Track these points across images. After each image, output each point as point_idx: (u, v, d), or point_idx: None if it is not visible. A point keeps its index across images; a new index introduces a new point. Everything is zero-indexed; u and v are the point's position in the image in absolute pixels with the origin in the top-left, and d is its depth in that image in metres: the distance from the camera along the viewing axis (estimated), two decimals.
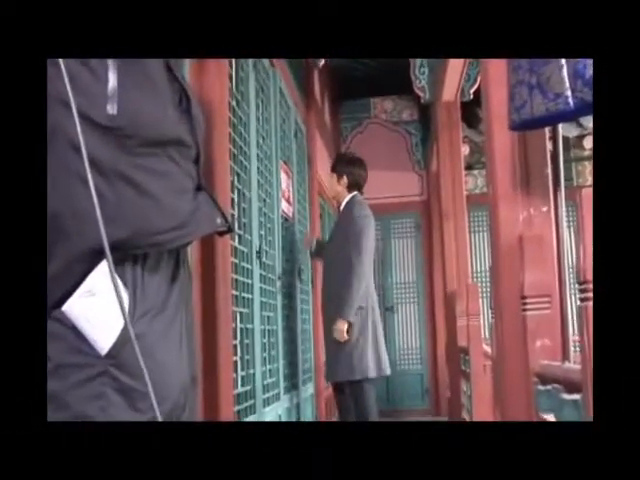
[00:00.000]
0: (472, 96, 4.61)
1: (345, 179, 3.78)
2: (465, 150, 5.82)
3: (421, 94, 4.80)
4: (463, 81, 4.39)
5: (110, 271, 0.99)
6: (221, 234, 1.34)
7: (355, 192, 3.81)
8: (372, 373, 3.65)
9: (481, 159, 6.43)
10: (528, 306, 1.82)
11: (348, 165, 3.85)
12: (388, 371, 3.77)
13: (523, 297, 1.83)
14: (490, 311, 2.25)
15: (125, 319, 1.01)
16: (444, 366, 5.68)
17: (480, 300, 4.01)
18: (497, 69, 1.93)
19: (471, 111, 5.49)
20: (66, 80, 0.95)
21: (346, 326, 3.53)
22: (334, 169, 3.88)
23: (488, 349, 3.46)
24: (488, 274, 6.58)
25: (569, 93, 1.46)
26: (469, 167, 6.43)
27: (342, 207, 3.80)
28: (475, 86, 4.51)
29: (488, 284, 6.08)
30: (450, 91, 4.47)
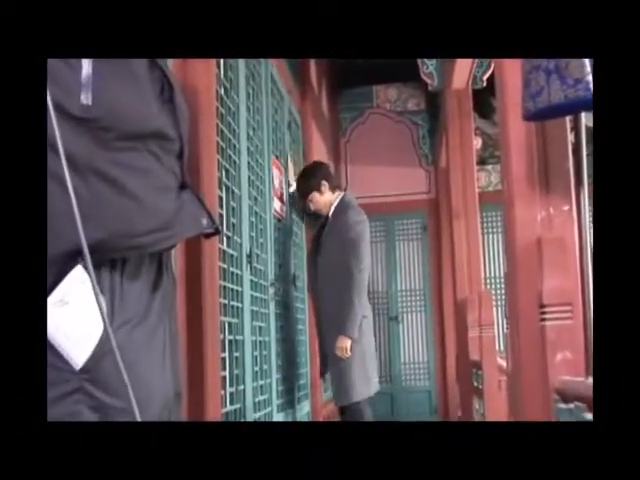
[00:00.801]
0: (485, 83, 4.61)
1: (326, 185, 3.79)
2: (477, 143, 5.84)
3: (429, 81, 4.81)
4: (475, 67, 4.40)
5: (89, 275, 0.99)
6: (207, 236, 1.34)
7: (341, 192, 3.85)
8: (373, 390, 3.68)
9: (495, 153, 6.44)
10: (547, 315, 1.82)
11: (317, 172, 3.86)
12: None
13: (542, 306, 1.83)
14: (505, 321, 2.26)
15: (106, 327, 1.01)
16: (454, 382, 5.70)
17: (494, 309, 4.02)
18: None
19: (484, 100, 5.50)
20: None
21: (350, 343, 3.54)
22: (308, 189, 3.82)
23: (503, 363, 3.47)
24: (502, 280, 6.58)
25: (590, 78, 1.47)
26: (482, 162, 6.45)
27: (332, 210, 3.79)
28: (488, 72, 4.52)
29: (502, 291, 6.09)
30: (461, 78, 4.47)
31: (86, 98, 1.04)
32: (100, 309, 1.01)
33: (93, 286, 0.99)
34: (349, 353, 3.53)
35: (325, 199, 3.79)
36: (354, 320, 3.53)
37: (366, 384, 3.61)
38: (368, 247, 3.68)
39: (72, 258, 1.05)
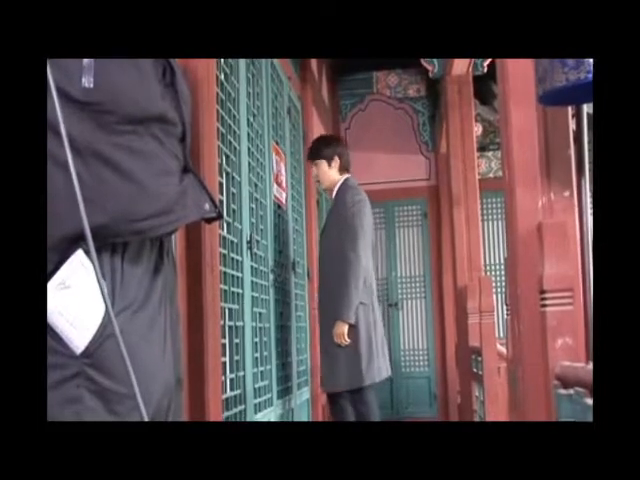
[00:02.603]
0: (485, 69, 4.60)
1: (337, 160, 3.71)
2: (478, 130, 5.83)
3: (429, 68, 4.80)
4: None
5: (91, 259, 0.99)
6: (209, 221, 1.34)
7: (347, 175, 3.76)
8: (372, 379, 3.58)
9: (495, 140, 6.43)
10: (548, 301, 1.82)
11: (335, 145, 3.78)
12: (386, 374, 3.69)
13: (542, 291, 1.83)
14: (505, 307, 2.26)
15: (108, 310, 1.01)
16: (454, 368, 5.71)
17: (494, 295, 4.02)
18: None
19: (484, 86, 5.48)
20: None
21: (346, 328, 3.48)
22: (320, 154, 3.74)
23: (503, 349, 3.48)
24: (502, 266, 6.55)
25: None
26: (482, 148, 6.43)
27: (335, 193, 3.73)
28: (489, 59, 4.51)
29: (502, 277, 6.08)
30: (461, 64, 4.46)
31: (88, 81, 1.04)
32: (102, 293, 1.01)
33: (95, 270, 1.00)
34: (347, 339, 3.48)
35: (330, 175, 3.72)
36: (350, 305, 3.46)
37: (356, 374, 3.51)
38: (366, 229, 3.58)
39: (73, 242, 1.05)
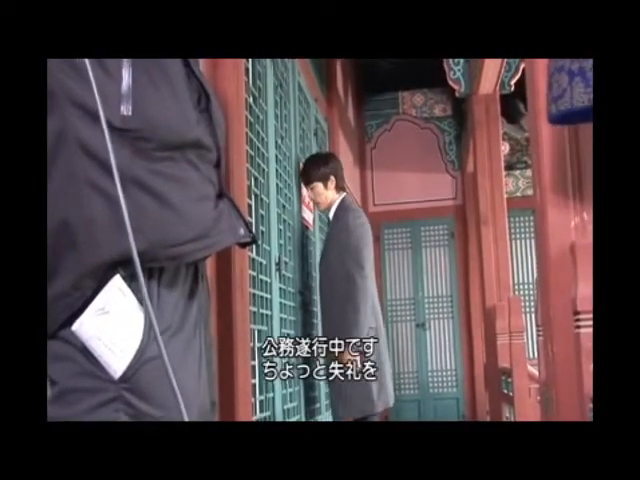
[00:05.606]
0: (513, 88, 4.59)
1: (333, 180, 3.54)
2: (505, 148, 5.81)
3: (456, 87, 4.78)
4: (503, 71, 4.38)
5: (139, 282, 1.00)
6: (243, 245, 1.35)
7: (344, 193, 3.61)
8: (385, 405, 3.48)
9: (522, 158, 6.41)
10: (582, 322, 1.80)
11: (328, 164, 3.60)
12: (392, 400, 3.57)
13: (576, 312, 1.81)
14: (535, 328, 2.23)
15: (155, 331, 1.01)
16: (483, 389, 5.66)
17: (523, 315, 3.99)
18: None
19: (511, 105, 5.47)
20: (93, 85, 0.98)
21: (358, 355, 3.36)
22: (315, 177, 3.55)
23: (533, 370, 3.44)
24: (532, 286, 6.45)
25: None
26: (509, 167, 6.42)
27: (332, 213, 3.57)
28: (516, 77, 4.50)
29: (532, 297, 6.01)
30: (488, 83, 4.45)
31: (126, 109, 1.05)
32: (149, 317, 1.01)
33: (142, 295, 1.01)
34: (359, 366, 3.35)
35: (328, 196, 3.56)
36: (361, 329, 3.31)
37: (369, 400, 3.38)
38: (370, 252, 3.47)
39: (111, 268, 1.06)
